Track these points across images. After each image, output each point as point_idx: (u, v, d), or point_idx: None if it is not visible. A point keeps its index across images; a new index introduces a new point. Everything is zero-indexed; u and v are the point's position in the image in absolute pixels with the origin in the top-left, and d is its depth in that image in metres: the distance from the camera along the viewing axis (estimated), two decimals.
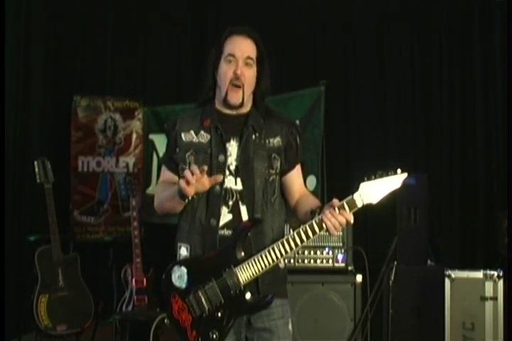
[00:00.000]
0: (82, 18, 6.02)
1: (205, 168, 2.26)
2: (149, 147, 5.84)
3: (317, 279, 4.33)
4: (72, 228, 5.60)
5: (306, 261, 4.42)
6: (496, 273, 4.32)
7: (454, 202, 5.70)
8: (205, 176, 2.26)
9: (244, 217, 2.39)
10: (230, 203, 2.40)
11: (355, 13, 5.97)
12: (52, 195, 4.86)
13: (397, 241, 4.43)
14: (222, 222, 2.39)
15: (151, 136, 5.84)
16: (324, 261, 4.42)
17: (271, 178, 2.44)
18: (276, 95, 5.01)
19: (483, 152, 5.68)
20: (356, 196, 2.23)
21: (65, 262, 4.87)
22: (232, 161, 2.41)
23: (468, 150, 5.73)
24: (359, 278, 4.30)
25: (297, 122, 4.88)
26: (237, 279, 2.29)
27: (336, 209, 2.22)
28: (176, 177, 2.48)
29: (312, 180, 5.01)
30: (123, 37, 6.09)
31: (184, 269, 2.37)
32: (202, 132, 2.46)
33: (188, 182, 2.22)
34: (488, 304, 4.30)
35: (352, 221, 2.26)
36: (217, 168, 2.39)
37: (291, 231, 2.30)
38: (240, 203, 2.40)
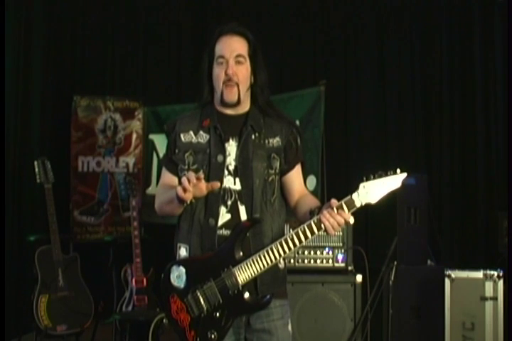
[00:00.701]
0: (82, 18, 6.02)
1: (202, 175, 2.25)
2: (149, 147, 5.84)
3: (317, 279, 4.32)
4: (72, 228, 5.60)
5: (306, 261, 4.41)
6: (496, 273, 4.31)
7: (454, 202, 5.71)
8: (203, 181, 2.26)
9: (243, 216, 2.39)
10: (229, 203, 2.39)
11: (355, 13, 5.97)
12: (52, 195, 4.85)
13: (397, 241, 4.43)
14: (220, 222, 2.38)
15: (151, 136, 5.84)
16: (324, 261, 4.41)
17: (270, 178, 2.44)
18: (276, 95, 5.01)
19: (483, 152, 5.68)
20: (355, 196, 2.23)
21: (65, 262, 4.87)
22: (231, 161, 2.41)
23: (469, 150, 5.73)
24: (359, 278, 4.29)
25: (297, 122, 4.93)
26: (236, 279, 2.29)
27: (335, 209, 2.22)
28: (175, 179, 2.48)
29: (312, 180, 5.01)
30: (123, 37, 6.09)
31: (183, 269, 2.37)
32: (201, 132, 2.46)
33: (185, 190, 2.22)
34: (488, 304, 4.29)
35: (352, 221, 2.25)
36: (216, 168, 2.39)
37: (291, 231, 2.30)
38: (239, 203, 2.39)
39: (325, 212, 2.23)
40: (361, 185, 2.23)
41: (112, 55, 6.08)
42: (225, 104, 2.44)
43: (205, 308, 2.32)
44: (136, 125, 5.85)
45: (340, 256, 4.40)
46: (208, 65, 2.46)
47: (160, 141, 5.68)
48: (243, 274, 2.29)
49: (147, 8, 6.09)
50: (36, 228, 5.24)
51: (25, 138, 5.52)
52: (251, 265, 2.28)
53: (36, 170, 4.87)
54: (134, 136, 5.85)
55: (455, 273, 4.35)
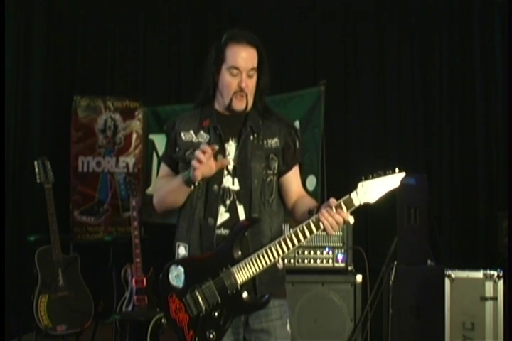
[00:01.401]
0: (82, 18, 6.02)
1: (216, 147, 2.29)
2: (149, 147, 5.84)
3: (317, 279, 4.32)
4: (72, 228, 5.60)
5: (306, 261, 4.41)
6: (496, 273, 4.32)
7: (454, 202, 5.71)
8: (212, 159, 2.28)
9: (242, 216, 2.39)
10: (228, 202, 2.40)
11: (355, 13, 5.97)
12: (52, 195, 4.86)
13: (397, 241, 4.43)
14: (219, 221, 2.38)
15: (151, 136, 5.84)
16: (324, 261, 4.41)
17: (268, 179, 2.44)
18: (276, 95, 5.01)
19: (483, 152, 5.68)
20: (353, 195, 2.23)
21: (65, 262, 4.87)
22: (230, 161, 2.41)
23: (468, 150, 5.73)
24: (359, 278, 4.29)
25: (297, 122, 4.93)
26: (234, 279, 2.29)
27: (333, 208, 2.22)
28: (175, 175, 2.48)
29: (312, 180, 5.00)
30: (123, 37, 6.09)
31: (181, 269, 2.37)
32: (201, 132, 2.46)
33: (200, 161, 2.24)
34: (488, 304, 4.30)
35: (352, 221, 2.26)
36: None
37: (291, 231, 2.30)
38: (237, 203, 2.40)
39: (323, 211, 2.23)
40: (360, 185, 2.23)
41: (112, 55, 6.07)
42: (232, 111, 2.46)
43: (203, 308, 2.32)
44: (136, 125, 5.86)
45: (340, 256, 4.40)
46: (214, 66, 2.45)
47: (160, 141, 5.67)
48: (242, 274, 2.29)
49: (147, 8, 6.09)
50: (36, 228, 5.24)
51: (25, 138, 5.52)
52: (250, 264, 2.29)
53: (36, 170, 4.86)
54: (134, 136, 5.85)
55: (455, 273, 4.36)
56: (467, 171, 5.74)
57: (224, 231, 2.37)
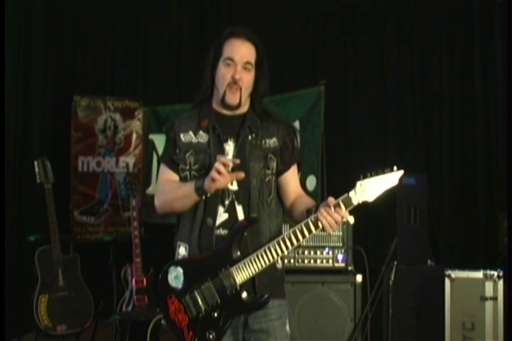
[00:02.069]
0: (82, 18, 6.02)
1: (238, 161, 2.30)
2: (149, 147, 5.84)
3: (317, 279, 4.32)
4: (72, 228, 5.60)
5: (306, 261, 4.41)
6: (496, 273, 4.32)
7: (454, 202, 5.70)
8: (227, 172, 2.28)
9: (240, 216, 2.39)
10: (226, 203, 2.40)
11: (355, 13, 5.96)
12: (52, 195, 4.86)
13: (397, 241, 4.42)
14: (218, 222, 2.38)
15: (151, 136, 5.84)
16: (324, 261, 4.42)
17: (267, 178, 2.44)
18: (276, 95, 5.02)
19: (483, 152, 5.68)
20: (352, 194, 2.23)
21: (65, 262, 4.87)
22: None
23: (469, 150, 5.73)
24: (359, 278, 4.29)
25: (297, 122, 4.93)
26: (233, 279, 2.29)
27: (332, 207, 2.22)
28: (177, 177, 2.48)
29: (312, 180, 5.00)
30: (123, 37, 6.09)
31: (180, 269, 2.37)
32: (200, 132, 2.46)
33: (220, 173, 2.24)
34: (488, 304, 4.30)
35: (351, 221, 2.27)
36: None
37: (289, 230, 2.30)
38: (236, 203, 2.40)
39: (322, 210, 2.23)
40: (358, 183, 2.23)
41: (112, 55, 6.07)
42: (225, 105, 2.45)
43: (203, 308, 2.32)
44: (136, 125, 5.86)
45: (340, 256, 4.40)
46: (213, 62, 2.46)
47: (160, 141, 5.67)
48: (241, 274, 2.29)
49: (147, 8, 6.08)
50: (36, 228, 5.24)
51: (25, 138, 5.52)
52: (249, 265, 2.29)
53: (36, 170, 4.87)
54: (134, 136, 5.86)
55: (455, 273, 4.36)
56: (467, 171, 5.73)
57: (223, 232, 2.37)
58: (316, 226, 2.25)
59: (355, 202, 2.23)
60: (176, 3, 6.13)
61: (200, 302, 2.32)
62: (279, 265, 2.46)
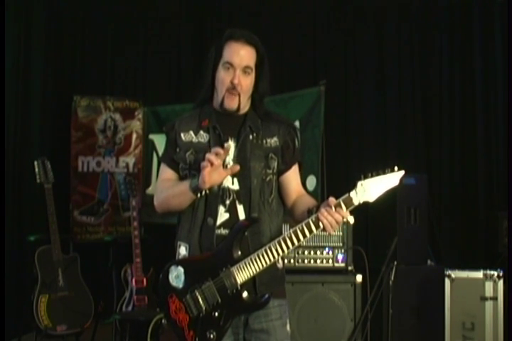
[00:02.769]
0: (82, 18, 6.02)
1: (230, 147, 2.32)
2: (149, 147, 5.84)
3: (317, 279, 4.32)
4: (72, 228, 5.60)
5: (306, 261, 4.41)
6: (496, 273, 4.32)
7: (454, 202, 5.70)
8: (221, 167, 2.28)
9: (241, 216, 2.39)
10: (227, 202, 2.40)
11: (355, 12, 5.97)
12: (52, 195, 4.86)
13: (397, 241, 4.43)
14: (219, 221, 2.38)
15: (151, 136, 5.84)
16: (324, 261, 4.41)
17: (268, 178, 2.44)
18: (276, 95, 5.02)
19: (483, 152, 5.68)
20: (353, 194, 2.23)
21: (65, 262, 4.87)
22: (229, 161, 2.41)
23: (469, 150, 5.73)
24: (359, 278, 4.29)
25: (297, 122, 4.93)
26: (234, 279, 2.29)
27: (333, 207, 2.22)
28: (177, 176, 2.49)
29: (312, 180, 5.01)
30: (123, 37, 6.09)
31: (181, 269, 2.37)
32: (201, 132, 2.46)
33: (212, 164, 2.23)
34: (488, 304, 4.30)
35: (351, 221, 2.26)
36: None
37: (290, 230, 2.30)
38: (237, 202, 2.40)
39: (323, 210, 2.23)
40: (359, 183, 2.23)
41: (111, 55, 6.07)
42: (224, 109, 2.45)
43: (203, 308, 2.32)
44: (136, 125, 5.86)
45: (340, 256, 4.40)
46: (213, 63, 2.45)
47: (160, 141, 5.67)
48: (242, 274, 2.29)
49: (147, 8, 6.08)
50: (36, 228, 5.24)
51: (25, 138, 5.52)
52: (249, 264, 2.29)
53: (36, 170, 4.87)
54: (134, 136, 5.86)
55: (455, 273, 4.36)
56: (467, 171, 5.74)
57: (224, 231, 2.37)
58: (317, 226, 2.25)
59: (356, 202, 2.23)
60: (176, 3, 6.12)
61: (201, 302, 2.32)
62: (280, 264, 2.47)
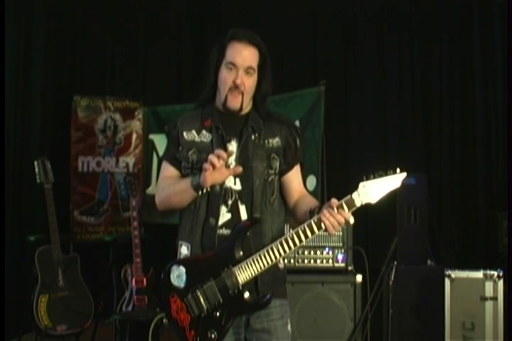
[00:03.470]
0: (82, 18, 6.01)
1: (233, 152, 2.31)
2: (149, 147, 5.84)
3: (317, 279, 4.33)
4: (72, 228, 5.59)
5: (306, 261, 4.41)
6: (496, 273, 4.32)
7: (454, 202, 5.71)
8: (224, 166, 2.28)
9: (243, 216, 2.39)
10: (229, 202, 2.40)
11: (355, 12, 5.97)
12: (52, 195, 4.85)
13: (397, 241, 4.43)
14: (221, 221, 2.39)
15: (151, 136, 5.84)
16: (324, 261, 4.42)
17: (270, 178, 2.45)
18: (276, 95, 5.01)
19: (483, 152, 5.69)
20: (355, 195, 2.23)
21: (65, 262, 4.87)
22: (231, 161, 2.41)
23: (469, 150, 5.74)
24: (359, 278, 4.29)
25: (297, 122, 4.93)
26: (236, 279, 2.29)
27: (335, 208, 2.22)
28: (179, 174, 2.49)
29: (312, 180, 5.01)
30: (123, 37, 6.09)
31: (183, 269, 2.37)
32: (204, 132, 2.47)
33: (214, 166, 2.23)
34: (488, 304, 4.30)
35: (352, 221, 2.26)
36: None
37: (292, 231, 2.30)
38: (239, 203, 2.40)
39: (325, 211, 2.23)
40: (361, 185, 2.23)
41: (111, 55, 6.06)
42: (227, 109, 2.45)
43: (205, 308, 2.32)
44: (136, 125, 5.85)
45: (340, 256, 4.40)
46: (215, 64, 2.46)
47: (160, 141, 5.67)
48: (243, 274, 2.29)
49: (147, 8, 6.08)
50: (36, 228, 5.23)
51: (25, 138, 5.52)
52: (251, 264, 2.29)
53: (36, 170, 4.86)
54: (134, 136, 5.85)
55: (455, 273, 4.36)
56: (467, 171, 5.74)
57: (225, 232, 2.38)
58: (319, 228, 2.25)
59: (358, 203, 2.24)
60: (176, 3, 6.12)
61: (203, 302, 2.32)
62: (281, 265, 2.47)
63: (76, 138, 5.67)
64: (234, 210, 2.40)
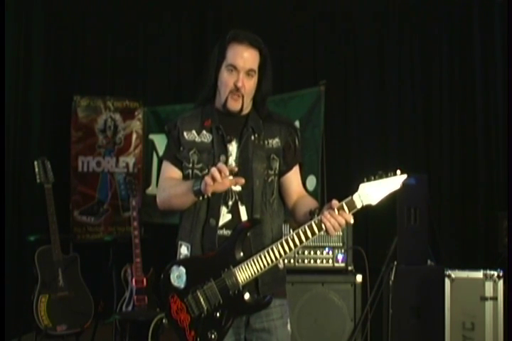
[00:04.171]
0: (82, 18, 6.02)
1: (236, 168, 2.29)
2: (149, 147, 5.84)
3: (317, 279, 4.32)
4: (72, 228, 5.60)
5: (306, 261, 4.41)
6: (496, 273, 4.31)
7: (454, 202, 5.71)
8: (226, 178, 2.26)
9: (244, 217, 2.39)
10: (230, 203, 2.40)
11: (355, 13, 5.97)
12: (52, 195, 4.86)
13: (397, 241, 4.42)
14: (221, 222, 2.39)
15: (151, 136, 5.84)
16: (324, 261, 4.41)
17: (269, 179, 2.45)
18: (276, 95, 5.01)
19: (483, 152, 5.68)
20: (356, 197, 2.24)
21: (65, 262, 4.87)
22: (231, 162, 2.41)
23: (469, 150, 5.73)
24: (359, 278, 4.29)
25: (297, 122, 4.93)
26: (236, 279, 2.29)
27: (336, 210, 2.22)
28: (180, 174, 2.48)
29: (312, 180, 5.01)
30: (123, 37, 6.09)
31: (183, 269, 2.37)
32: (204, 132, 2.46)
33: (214, 180, 2.21)
34: (488, 304, 4.29)
35: (352, 221, 2.26)
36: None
37: (291, 231, 2.30)
38: (239, 203, 2.40)
39: (326, 212, 2.23)
40: (361, 186, 2.24)
41: (111, 55, 6.06)
42: (227, 110, 2.45)
43: (205, 308, 2.32)
44: (136, 125, 5.86)
45: (340, 256, 4.40)
46: (216, 64, 2.45)
47: (160, 141, 5.67)
48: (243, 274, 2.29)
49: (147, 8, 6.08)
50: (36, 228, 5.23)
51: (25, 138, 5.52)
52: (251, 265, 2.29)
53: (36, 170, 4.87)
54: (134, 136, 5.86)
55: (455, 273, 4.35)
56: (467, 171, 5.74)
57: (226, 232, 2.38)
58: (320, 229, 2.25)
59: (358, 205, 2.24)
60: (176, 3, 6.12)
61: (203, 302, 2.32)
62: (281, 265, 2.47)
63: (76, 138, 5.67)
64: (234, 211, 2.40)
